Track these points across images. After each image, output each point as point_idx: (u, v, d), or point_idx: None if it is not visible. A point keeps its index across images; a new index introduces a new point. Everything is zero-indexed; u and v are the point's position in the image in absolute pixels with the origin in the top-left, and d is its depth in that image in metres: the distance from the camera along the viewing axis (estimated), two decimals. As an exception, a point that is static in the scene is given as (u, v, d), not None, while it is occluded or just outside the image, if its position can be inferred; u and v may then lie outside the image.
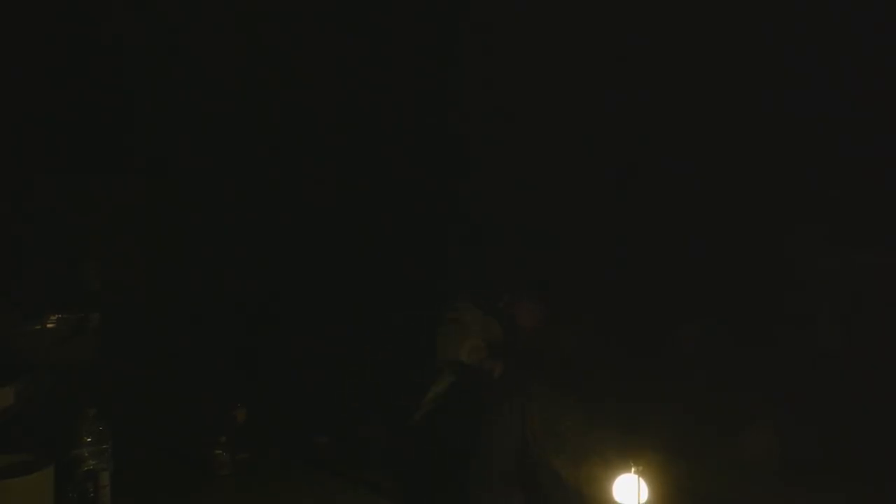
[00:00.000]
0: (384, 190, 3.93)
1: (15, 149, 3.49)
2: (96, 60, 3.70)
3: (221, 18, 3.83)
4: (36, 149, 3.55)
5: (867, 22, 3.31)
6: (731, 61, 3.55)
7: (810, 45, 3.40)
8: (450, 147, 4.00)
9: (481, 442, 2.44)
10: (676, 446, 2.42)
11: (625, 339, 3.13)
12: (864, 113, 3.30)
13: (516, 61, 3.86)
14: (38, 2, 3.57)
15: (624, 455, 2.24)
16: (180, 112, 3.80)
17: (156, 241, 3.75)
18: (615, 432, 2.40)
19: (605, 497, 2.25)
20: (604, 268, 3.50)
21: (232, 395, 3.03)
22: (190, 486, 2.65)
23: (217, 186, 3.86)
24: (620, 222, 3.65)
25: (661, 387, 2.85)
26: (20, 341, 2.95)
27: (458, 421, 2.56)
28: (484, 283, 3.19)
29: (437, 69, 3.99)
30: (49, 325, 3.06)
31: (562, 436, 2.40)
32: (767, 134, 3.52)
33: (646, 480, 2.20)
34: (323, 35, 3.94)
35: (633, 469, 2.21)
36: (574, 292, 3.25)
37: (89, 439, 2.41)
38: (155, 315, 3.53)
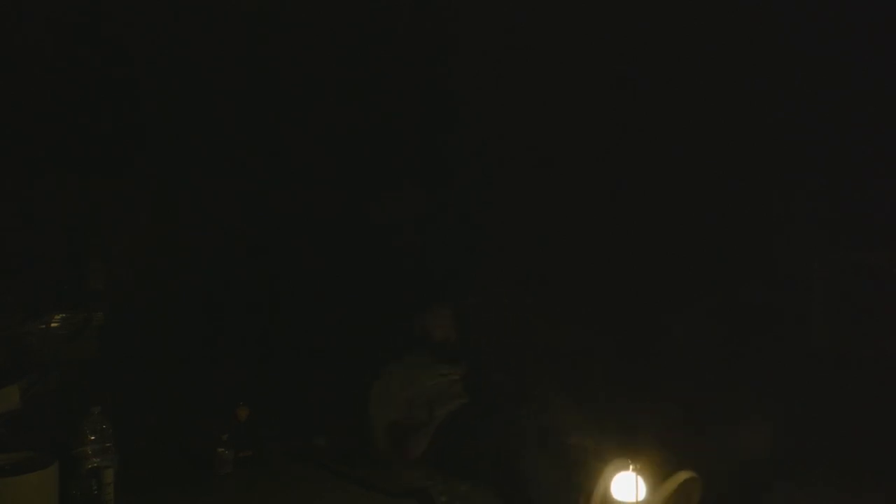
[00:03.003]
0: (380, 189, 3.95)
1: (19, 148, 3.51)
2: (101, 59, 3.71)
3: (225, 22, 3.84)
4: (40, 148, 3.57)
5: (867, 21, 3.31)
6: (728, 60, 3.55)
7: (806, 45, 3.40)
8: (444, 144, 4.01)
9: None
10: (672, 443, 2.43)
11: (619, 336, 3.15)
12: (860, 112, 3.30)
13: (508, 60, 3.87)
14: (41, 2, 3.58)
15: (622, 452, 2.25)
16: (185, 110, 3.82)
17: (159, 239, 3.77)
18: (612, 429, 2.41)
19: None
20: (597, 264, 3.51)
21: (234, 394, 3.05)
22: (192, 483, 2.67)
23: (219, 185, 3.88)
24: (613, 218, 3.65)
25: (655, 384, 2.86)
26: (25, 341, 2.98)
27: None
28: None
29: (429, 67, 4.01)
30: (53, 325, 3.09)
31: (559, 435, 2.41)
32: (762, 132, 3.53)
33: (644, 478, 2.21)
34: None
35: (630, 467, 2.22)
36: (567, 288, 3.27)
37: (93, 437, 2.43)
38: (159, 314, 3.56)
